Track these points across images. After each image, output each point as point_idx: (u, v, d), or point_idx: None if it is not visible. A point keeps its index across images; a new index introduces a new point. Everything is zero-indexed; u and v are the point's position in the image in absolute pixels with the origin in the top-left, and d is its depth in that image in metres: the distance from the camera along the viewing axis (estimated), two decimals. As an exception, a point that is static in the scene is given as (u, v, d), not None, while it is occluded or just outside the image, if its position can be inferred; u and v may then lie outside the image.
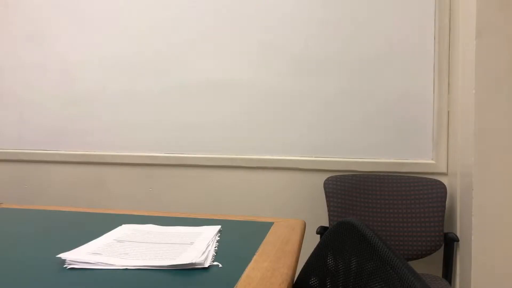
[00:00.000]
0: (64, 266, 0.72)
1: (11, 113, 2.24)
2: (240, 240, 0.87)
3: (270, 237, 0.91)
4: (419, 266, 1.82)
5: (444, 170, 1.81)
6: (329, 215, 1.69)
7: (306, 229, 1.86)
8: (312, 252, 0.79)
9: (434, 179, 1.74)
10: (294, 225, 1.00)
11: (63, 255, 0.75)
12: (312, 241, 1.84)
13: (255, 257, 0.77)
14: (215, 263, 0.73)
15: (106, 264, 0.71)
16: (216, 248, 0.82)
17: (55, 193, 2.19)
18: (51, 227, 1.00)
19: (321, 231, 1.69)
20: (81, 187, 2.16)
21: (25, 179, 2.24)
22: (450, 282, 1.66)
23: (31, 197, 2.22)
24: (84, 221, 1.06)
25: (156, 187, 2.01)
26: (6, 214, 1.11)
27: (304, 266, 0.79)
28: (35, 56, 2.19)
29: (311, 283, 0.75)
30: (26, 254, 0.79)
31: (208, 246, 0.81)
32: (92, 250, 0.79)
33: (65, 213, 1.13)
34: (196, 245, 0.81)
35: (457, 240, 1.66)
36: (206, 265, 0.72)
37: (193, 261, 0.71)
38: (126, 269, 0.70)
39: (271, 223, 1.01)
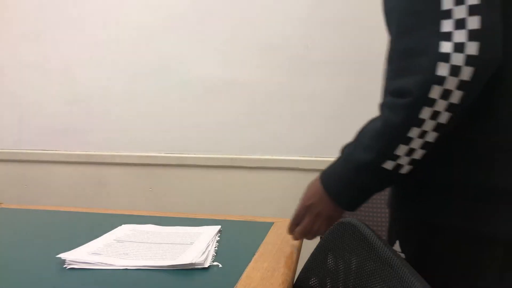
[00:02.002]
0: (64, 266, 0.72)
1: (11, 113, 2.24)
2: (240, 240, 0.87)
3: (270, 237, 0.90)
4: (419, 266, 1.82)
5: (444, 170, 1.81)
6: (329, 215, 1.69)
7: (306, 229, 1.85)
8: (312, 252, 0.79)
9: (434, 179, 1.73)
10: (294, 225, 1.00)
11: (63, 255, 0.75)
12: (312, 241, 1.83)
13: (255, 257, 0.77)
14: (215, 263, 0.73)
15: (106, 264, 0.71)
16: (216, 248, 0.82)
17: (55, 193, 2.19)
18: (51, 227, 1.00)
19: (321, 231, 1.69)
20: (81, 187, 2.16)
21: (25, 179, 2.24)
22: (450, 282, 1.66)
23: (31, 197, 2.22)
24: (84, 221, 1.06)
25: (156, 187, 2.01)
26: (6, 214, 1.11)
27: (304, 266, 0.79)
28: (35, 56, 2.19)
29: (311, 283, 0.75)
30: (26, 254, 0.79)
31: (208, 246, 0.81)
32: (92, 250, 0.79)
33: (65, 213, 1.13)
34: (196, 245, 0.81)
35: (457, 240, 1.66)
36: (206, 265, 0.71)
37: (193, 261, 0.71)
38: (126, 269, 0.70)
39: (271, 223, 1.01)
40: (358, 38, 1.86)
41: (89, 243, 0.84)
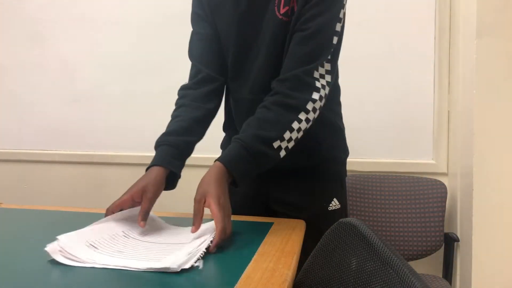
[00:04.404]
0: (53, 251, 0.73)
1: (11, 113, 2.24)
2: (240, 240, 0.87)
3: (270, 237, 0.90)
4: (419, 266, 1.82)
5: (445, 170, 1.81)
6: (329, 215, 1.68)
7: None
8: (312, 253, 0.79)
9: (434, 179, 1.73)
10: (294, 225, 1.00)
11: (61, 238, 0.76)
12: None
13: (255, 257, 0.77)
14: (196, 264, 0.71)
15: (92, 262, 0.71)
16: (209, 243, 0.79)
17: (55, 193, 2.19)
18: (51, 227, 1.00)
19: (321, 231, 1.69)
20: (81, 187, 2.16)
21: (25, 179, 2.24)
22: (450, 282, 1.66)
23: (31, 197, 2.22)
24: (84, 221, 1.06)
25: (156, 187, 2.01)
26: (6, 214, 1.11)
27: (304, 266, 0.79)
28: (35, 56, 2.19)
29: (311, 284, 0.75)
30: (26, 255, 0.79)
31: (200, 245, 0.78)
32: (92, 241, 0.78)
33: (65, 213, 1.13)
34: (190, 246, 0.79)
35: (458, 240, 1.66)
36: (185, 266, 0.69)
37: (167, 266, 0.68)
38: (123, 268, 0.70)
39: (271, 223, 1.01)
40: (358, 38, 1.85)
41: (98, 226, 0.86)
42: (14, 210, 1.16)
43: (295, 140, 0.96)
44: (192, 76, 1.17)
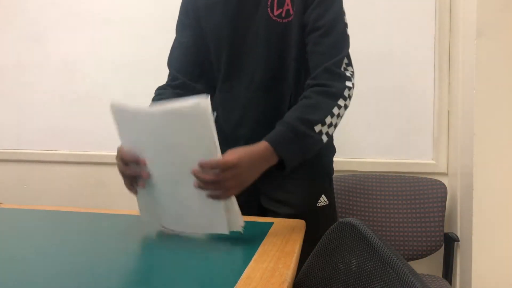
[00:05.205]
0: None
1: (11, 113, 2.24)
2: (240, 240, 0.87)
3: (270, 237, 0.90)
4: (419, 266, 1.82)
5: (445, 170, 1.81)
6: (329, 215, 1.68)
7: (306, 229, 1.85)
8: (312, 253, 0.79)
9: (434, 179, 1.73)
10: (294, 225, 1.00)
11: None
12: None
13: (255, 257, 0.77)
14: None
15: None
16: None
17: (55, 193, 2.19)
18: (51, 227, 1.00)
19: (321, 231, 1.68)
20: (81, 187, 2.16)
21: (25, 179, 2.23)
22: (450, 282, 1.66)
23: (31, 197, 2.21)
24: (84, 221, 1.06)
25: (156, 187, 2.01)
26: (6, 214, 1.11)
27: (304, 266, 0.79)
28: (35, 56, 2.19)
29: (311, 284, 0.75)
30: (25, 255, 0.79)
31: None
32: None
33: (65, 213, 1.13)
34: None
35: (457, 240, 1.66)
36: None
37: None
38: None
39: (271, 223, 1.01)
40: (357, 38, 1.84)
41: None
42: (14, 210, 1.16)
43: (334, 126, 1.02)
44: (169, 81, 1.23)
